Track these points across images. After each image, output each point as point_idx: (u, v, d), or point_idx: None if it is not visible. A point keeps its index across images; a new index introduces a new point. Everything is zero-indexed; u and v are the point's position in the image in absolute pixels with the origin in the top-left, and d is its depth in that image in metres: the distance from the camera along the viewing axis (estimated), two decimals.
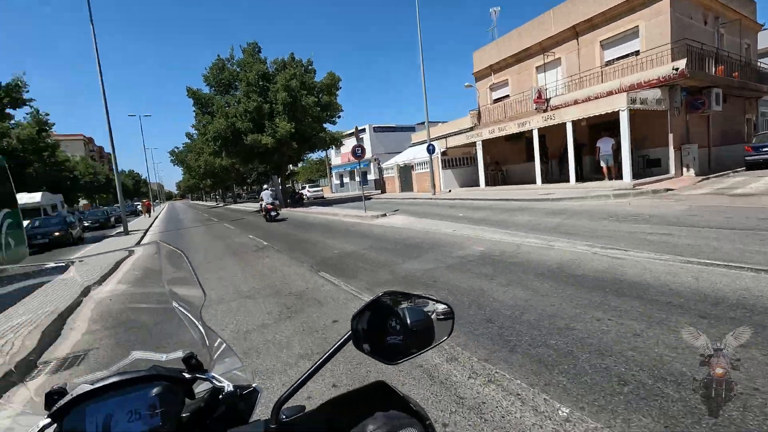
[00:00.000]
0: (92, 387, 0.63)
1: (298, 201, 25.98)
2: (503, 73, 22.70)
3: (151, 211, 49.04)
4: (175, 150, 48.02)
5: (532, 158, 18.33)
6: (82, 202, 69.33)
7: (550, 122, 16.67)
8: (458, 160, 24.77)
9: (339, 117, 26.59)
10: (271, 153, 24.40)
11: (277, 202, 20.17)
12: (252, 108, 22.67)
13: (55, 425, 0.62)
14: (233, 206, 43.98)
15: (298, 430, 0.63)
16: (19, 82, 18.08)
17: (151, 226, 23.78)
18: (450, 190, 23.39)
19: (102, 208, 37.24)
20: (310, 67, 24.92)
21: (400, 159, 29.72)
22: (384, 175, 30.68)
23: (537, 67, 20.35)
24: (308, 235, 11.84)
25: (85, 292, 0.98)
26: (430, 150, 20.69)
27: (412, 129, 41.67)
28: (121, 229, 19.95)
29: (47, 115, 35.42)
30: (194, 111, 24.96)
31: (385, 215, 13.89)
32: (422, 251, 7.14)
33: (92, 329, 0.97)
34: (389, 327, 0.67)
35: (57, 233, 15.99)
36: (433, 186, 21.86)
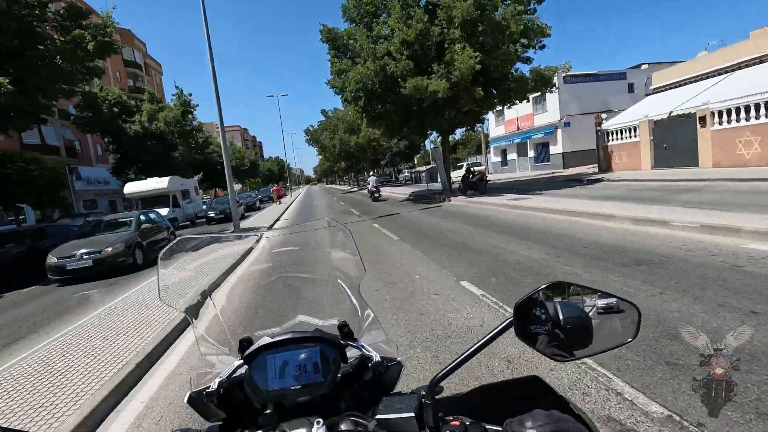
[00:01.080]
0: (272, 340, 0.76)
1: (477, 186, 16.67)
2: None
3: (287, 195, 46.80)
4: (310, 128, 44.28)
5: None
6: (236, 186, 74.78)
7: None
8: None
9: (542, 47, 16.13)
10: (440, 107, 15.53)
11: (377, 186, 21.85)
12: (413, 36, 14.04)
13: (246, 366, 0.77)
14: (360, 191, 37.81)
15: (451, 410, 0.64)
16: (107, 22, 12.83)
17: (276, 221, 17.47)
18: None
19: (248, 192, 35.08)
20: None
21: (636, 114, 17.62)
22: (609, 142, 18.84)
23: None
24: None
25: (271, 259, 1.26)
26: None
27: (622, 76, 28.11)
28: (233, 225, 13.76)
29: (190, 95, 34.34)
30: (329, 59, 17.59)
31: None
32: None
33: (268, 291, 1.61)
34: (534, 316, 0.63)
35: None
36: None
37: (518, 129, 30.74)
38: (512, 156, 32.76)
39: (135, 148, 28.78)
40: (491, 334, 0.62)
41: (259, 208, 30.03)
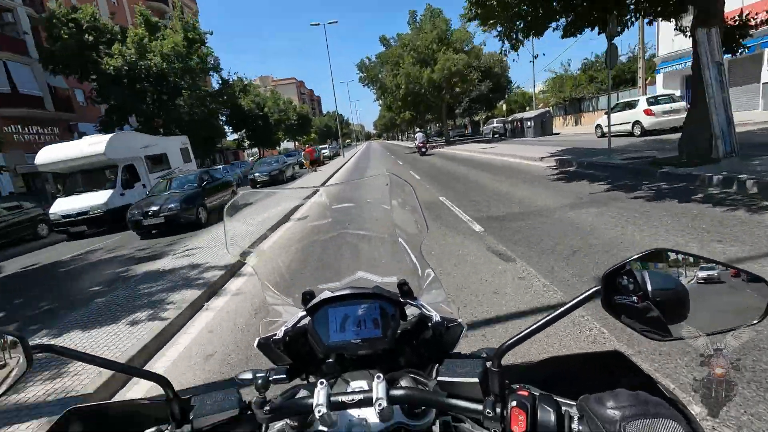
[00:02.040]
0: (333, 294, 0.76)
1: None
2: None
3: (328, 160, 36.80)
4: (365, 62, 32.23)
5: None
6: (283, 145, 65.84)
7: None
8: None
9: None
10: None
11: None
12: None
13: (309, 317, 0.78)
14: (445, 149, 26.14)
15: (517, 379, 0.61)
16: None
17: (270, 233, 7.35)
18: None
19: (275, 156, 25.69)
20: None
21: None
22: None
23: None
24: None
25: (330, 215, 1.16)
26: None
27: None
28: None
29: (195, 12, 24.87)
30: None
31: None
32: None
33: (329, 248, 1.14)
34: (620, 285, 0.55)
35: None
36: None
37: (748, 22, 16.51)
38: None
39: (119, 91, 20.26)
40: (572, 303, 0.55)
41: (286, 180, 20.24)
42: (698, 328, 0.53)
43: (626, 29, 9.42)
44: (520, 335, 0.57)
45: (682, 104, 14.62)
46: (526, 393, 0.55)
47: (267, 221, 1.34)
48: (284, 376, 0.74)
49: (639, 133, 14.91)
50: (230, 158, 45.97)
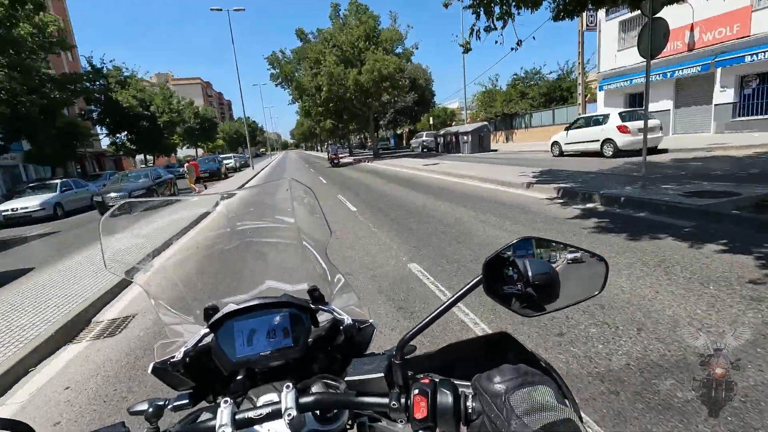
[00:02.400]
0: (238, 306, 0.72)
1: None
2: None
3: (233, 172, 30.68)
4: (278, 56, 26.40)
5: None
6: (182, 152, 56.13)
7: None
8: None
9: None
10: None
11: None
12: None
13: (212, 334, 0.73)
14: (375, 163, 22.24)
15: (421, 369, 0.63)
16: None
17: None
18: None
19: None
20: None
21: None
22: None
23: None
24: None
25: (230, 224, 1.09)
26: None
27: None
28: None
29: None
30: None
31: None
32: None
33: (232, 259, 1.05)
34: (506, 276, 0.60)
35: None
36: None
37: (691, 48, 15.44)
38: (660, 102, 17.42)
39: None
40: (460, 293, 0.58)
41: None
42: (564, 301, 0.60)
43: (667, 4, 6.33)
44: (416, 328, 0.59)
45: (657, 122, 12.60)
46: (427, 380, 0.56)
47: (157, 232, 1.11)
48: (187, 401, 0.71)
49: (611, 153, 12.54)
50: (97, 168, 36.59)
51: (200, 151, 56.41)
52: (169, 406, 0.68)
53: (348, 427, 0.65)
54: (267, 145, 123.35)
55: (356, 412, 0.65)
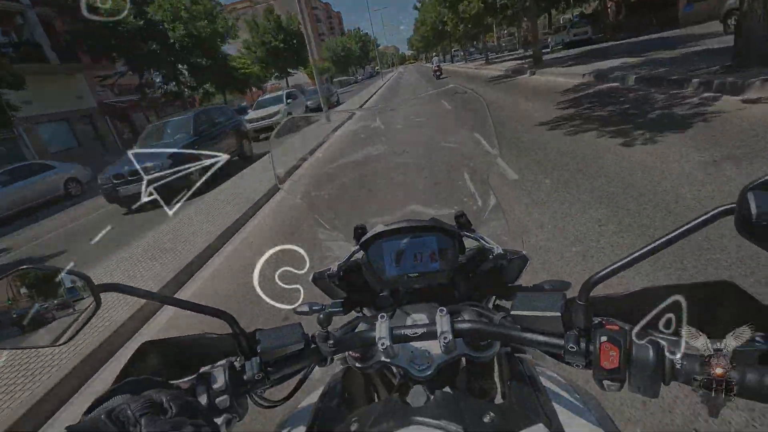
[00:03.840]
0: (387, 228, 0.73)
1: None
2: None
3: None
4: None
5: None
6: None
7: None
8: None
9: None
10: None
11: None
12: None
13: (362, 252, 0.76)
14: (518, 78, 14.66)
15: (602, 312, 0.54)
16: None
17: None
18: None
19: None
20: None
21: None
22: None
23: None
24: None
25: (386, 140, 1.11)
26: None
27: None
28: None
29: None
30: None
31: None
32: None
33: (381, 176, 1.06)
34: None
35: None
36: None
37: None
38: None
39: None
40: (689, 225, 0.42)
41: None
42: None
43: None
44: (611, 268, 0.48)
45: None
46: (616, 327, 0.50)
47: (316, 148, 1.25)
48: (341, 309, 0.79)
49: None
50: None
51: (291, 81, 39.51)
52: (326, 311, 0.75)
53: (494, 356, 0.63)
54: (382, 61, 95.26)
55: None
